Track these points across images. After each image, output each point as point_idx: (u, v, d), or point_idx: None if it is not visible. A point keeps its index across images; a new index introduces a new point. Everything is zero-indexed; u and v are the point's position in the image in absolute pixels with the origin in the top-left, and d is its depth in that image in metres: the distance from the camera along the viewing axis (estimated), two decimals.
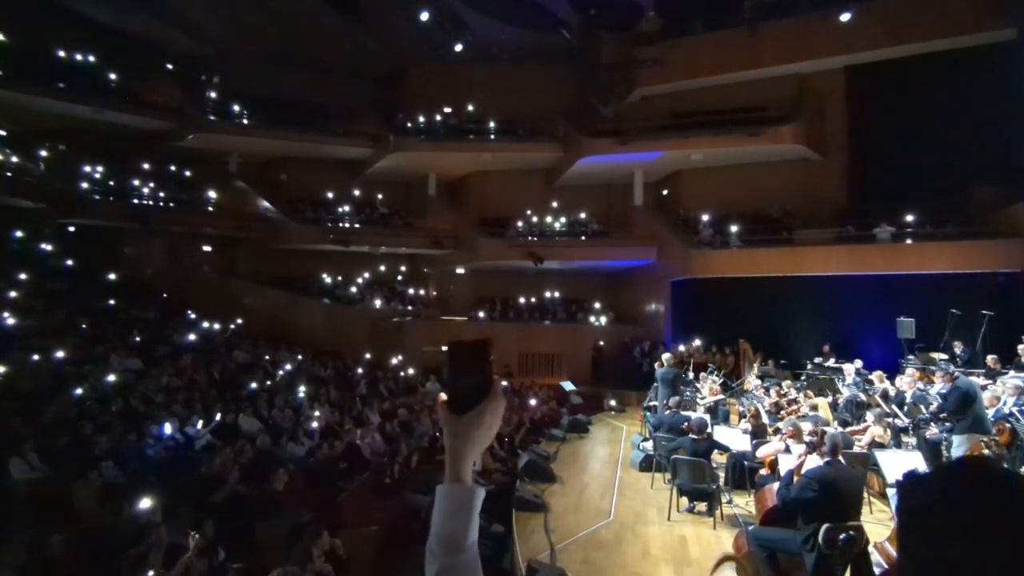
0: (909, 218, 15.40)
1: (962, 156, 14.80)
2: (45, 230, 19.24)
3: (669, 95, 19.22)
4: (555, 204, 21.27)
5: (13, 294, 15.34)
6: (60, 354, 12.31)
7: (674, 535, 6.64)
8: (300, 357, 16.96)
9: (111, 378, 11.48)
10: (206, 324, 17.95)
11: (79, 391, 10.47)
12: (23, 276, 16.50)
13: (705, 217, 18.18)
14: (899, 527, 0.87)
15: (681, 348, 16.68)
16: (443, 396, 1.14)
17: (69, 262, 19.26)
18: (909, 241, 15.19)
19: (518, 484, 8.19)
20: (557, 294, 21.85)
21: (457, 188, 23.39)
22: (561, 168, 20.51)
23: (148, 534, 4.73)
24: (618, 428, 13.09)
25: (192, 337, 16.45)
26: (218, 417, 10.17)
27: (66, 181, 18.57)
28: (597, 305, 20.82)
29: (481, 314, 20.75)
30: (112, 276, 19.75)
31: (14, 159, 17.61)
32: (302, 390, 12.68)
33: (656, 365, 11.47)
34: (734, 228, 17.22)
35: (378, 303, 21.07)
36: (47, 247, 19.08)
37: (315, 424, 10.38)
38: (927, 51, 15.60)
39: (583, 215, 20.77)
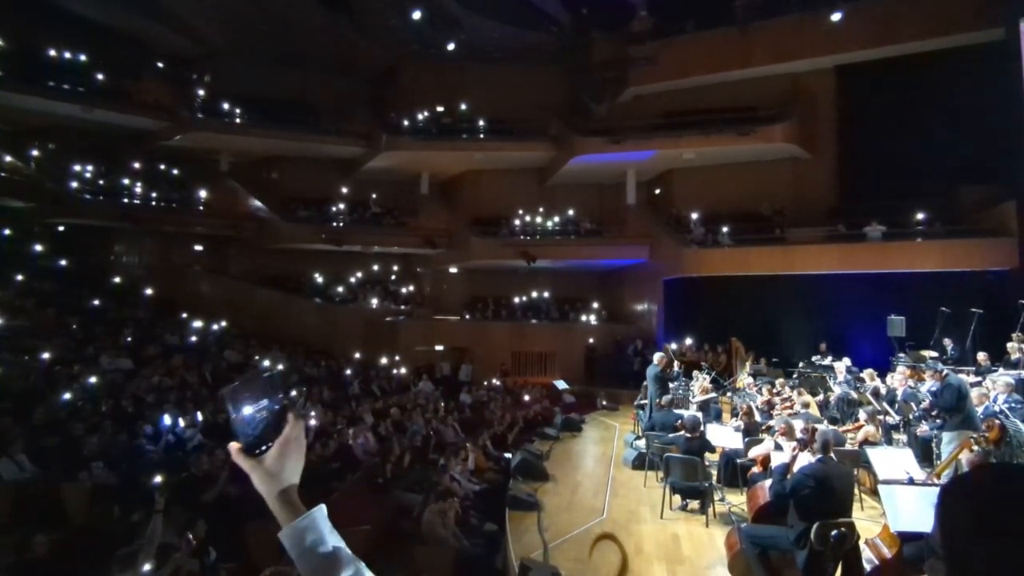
0: (901, 216, 15.50)
1: (951, 155, 14.90)
2: (34, 229, 19.08)
3: (661, 94, 19.29)
4: (548, 203, 21.26)
5: (1, 294, 15.20)
6: (48, 354, 12.17)
7: (667, 533, 6.65)
8: (292, 357, 16.89)
9: (93, 380, 11.17)
10: (197, 324, 17.84)
11: (67, 395, 10.14)
12: (12, 276, 16.35)
13: (697, 216, 18.24)
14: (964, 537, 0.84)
15: (674, 346, 16.73)
16: (234, 445, 1.07)
17: (59, 262, 19.09)
18: (899, 240, 15.29)
19: (511, 483, 8.19)
20: (550, 293, 21.86)
21: (450, 187, 23.34)
22: (554, 167, 20.51)
23: (142, 529, 4.70)
24: (611, 427, 13.12)
25: (183, 337, 16.35)
26: (199, 417, 10.06)
27: (56, 180, 18.42)
28: (590, 304, 20.85)
29: (468, 315, 20.74)
30: (102, 276, 19.59)
31: (4, 158, 17.45)
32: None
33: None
34: (726, 227, 17.27)
35: (371, 302, 21.01)
36: (37, 247, 18.92)
37: (308, 424, 10.34)
38: (917, 51, 15.73)
39: (576, 214, 20.77)
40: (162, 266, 21.63)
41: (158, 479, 5.33)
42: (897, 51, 16.01)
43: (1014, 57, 13.13)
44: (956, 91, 15.06)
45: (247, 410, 1.05)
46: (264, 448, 1.06)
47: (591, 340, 19.32)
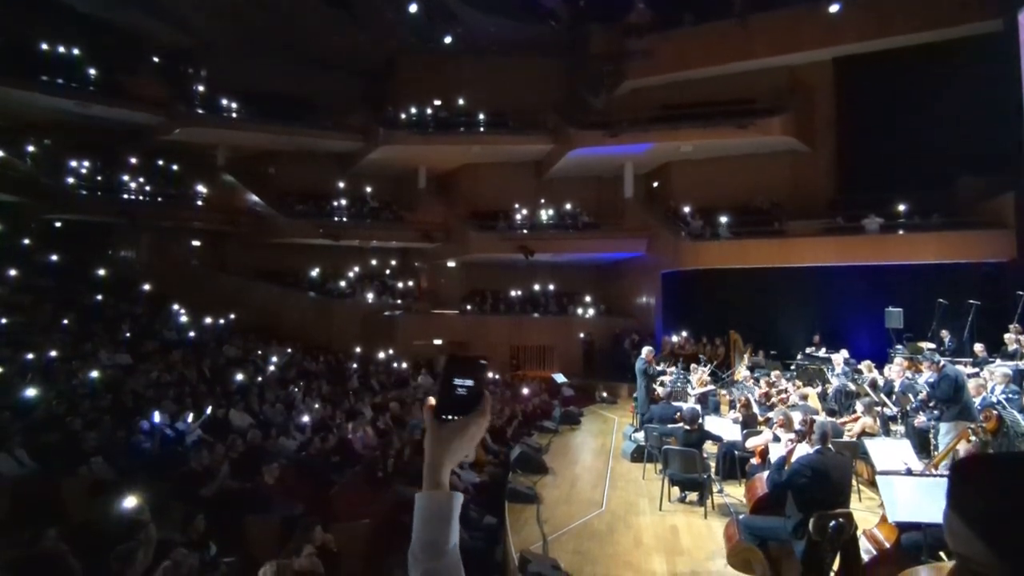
0: (899, 208, 15.51)
1: (949, 147, 14.87)
2: (31, 226, 19.02)
3: (659, 87, 19.24)
4: (546, 197, 21.20)
5: None
6: (41, 350, 12.14)
7: (666, 525, 6.67)
8: (290, 351, 16.87)
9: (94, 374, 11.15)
10: (195, 319, 17.81)
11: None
12: (9, 272, 16.30)
13: (689, 209, 18.24)
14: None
15: (674, 339, 16.76)
16: (431, 400, 1.15)
17: (55, 258, 19.04)
18: (897, 232, 15.30)
19: (510, 476, 8.21)
20: (548, 287, 21.86)
21: (447, 181, 23.29)
22: (551, 160, 20.47)
23: (137, 531, 4.70)
24: (609, 419, 13.15)
25: (180, 332, 16.33)
26: (208, 410, 10.09)
27: (52, 176, 18.36)
28: (588, 297, 20.86)
29: (470, 307, 20.75)
30: (99, 271, 19.55)
31: None
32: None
33: None
34: (724, 220, 17.25)
35: (369, 297, 21.00)
36: (33, 243, 18.87)
37: (306, 418, 10.36)
38: (915, 43, 15.70)
39: (573, 207, 20.74)
40: (160, 261, 21.59)
41: (132, 502, 5.13)
42: (895, 43, 15.97)
43: (1012, 49, 13.11)
44: (954, 83, 15.03)
45: (455, 379, 1.13)
46: (452, 416, 1.13)
47: (582, 334, 19.33)
